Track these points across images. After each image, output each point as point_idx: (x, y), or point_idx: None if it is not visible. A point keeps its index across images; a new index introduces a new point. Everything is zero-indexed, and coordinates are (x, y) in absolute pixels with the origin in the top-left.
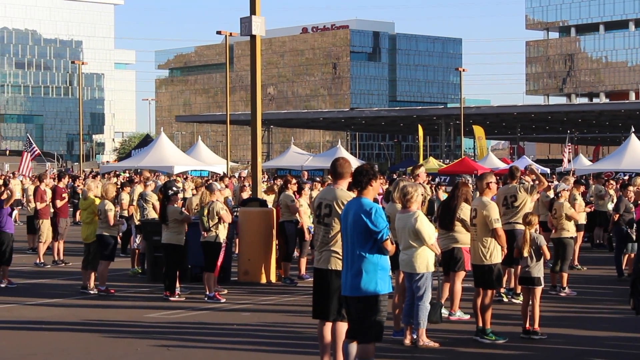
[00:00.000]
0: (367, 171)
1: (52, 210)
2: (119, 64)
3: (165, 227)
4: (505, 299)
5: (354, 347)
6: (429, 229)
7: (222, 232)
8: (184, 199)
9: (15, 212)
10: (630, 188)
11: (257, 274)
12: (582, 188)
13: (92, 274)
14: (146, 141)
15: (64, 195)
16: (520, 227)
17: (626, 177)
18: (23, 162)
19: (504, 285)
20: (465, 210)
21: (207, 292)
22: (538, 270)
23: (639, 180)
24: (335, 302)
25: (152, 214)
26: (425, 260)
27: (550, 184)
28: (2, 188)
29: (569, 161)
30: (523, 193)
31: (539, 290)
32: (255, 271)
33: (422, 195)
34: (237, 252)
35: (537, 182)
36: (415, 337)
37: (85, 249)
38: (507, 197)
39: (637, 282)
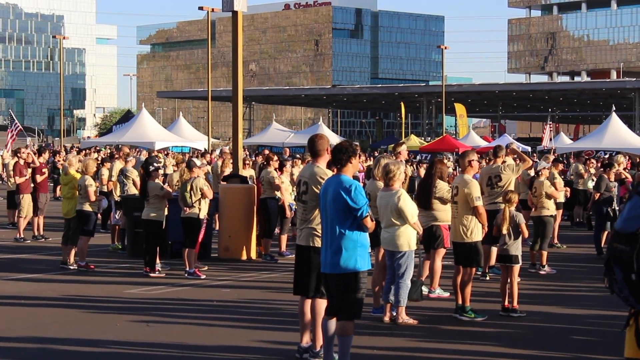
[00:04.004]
0: (346, 148)
1: (32, 185)
2: (101, 39)
3: (146, 203)
4: (487, 278)
5: (333, 323)
6: (411, 208)
7: (204, 209)
8: (165, 175)
9: None
10: (614, 170)
11: (237, 251)
12: (561, 166)
13: (72, 249)
14: (127, 117)
15: (44, 170)
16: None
17: (607, 156)
18: (8, 141)
19: (489, 264)
20: (440, 187)
21: (187, 268)
22: (516, 248)
23: (620, 159)
24: (314, 279)
25: (133, 190)
26: (408, 238)
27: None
28: None
29: (550, 139)
30: (508, 172)
31: (516, 268)
32: (235, 248)
33: (405, 172)
34: (217, 228)
35: (518, 161)
36: (394, 314)
37: (65, 225)
38: (492, 177)
39: (611, 261)
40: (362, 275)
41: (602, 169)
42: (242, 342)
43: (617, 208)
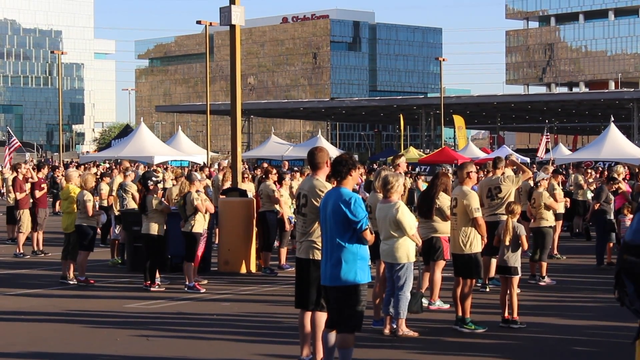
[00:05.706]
0: (346, 161)
1: (31, 200)
2: (99, 54)
3: (145, 217)
4: (487, 289)
5: (333, 336)
6: (410, 220)
7: (200, 223)
8: (164, 189)
9: None
10: (616, 185)
11: (237, 264)
12: (561, 177)
13: (72, 264)
14: (126, 131)
15: (43, 185)
16: (505, 217)
17: (605, 166)
18: (6, 157)
19: (489, 275)
20: (442, 200)
21: (187, 282)
22: (515, 259)
23: (620, 169)
24: (314, 291)
25: (132, 204)
26: (406, 250)
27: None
28: None
29: (548, 150)
30: (507, 183)
31: (516, 279)
32: (235, 261)
33: (404, 185)
34: (217, 242)
35: (519, 172)
36: (394, 326)
37: (65, 239)
38: (492, 189)
39: (622, 273)
40: (362, 287)
41: (604, 180)
42: (243, 355)
43: (613, 219)
